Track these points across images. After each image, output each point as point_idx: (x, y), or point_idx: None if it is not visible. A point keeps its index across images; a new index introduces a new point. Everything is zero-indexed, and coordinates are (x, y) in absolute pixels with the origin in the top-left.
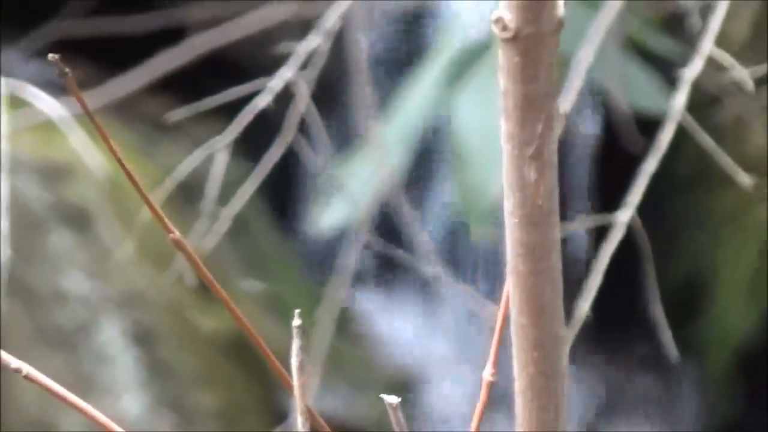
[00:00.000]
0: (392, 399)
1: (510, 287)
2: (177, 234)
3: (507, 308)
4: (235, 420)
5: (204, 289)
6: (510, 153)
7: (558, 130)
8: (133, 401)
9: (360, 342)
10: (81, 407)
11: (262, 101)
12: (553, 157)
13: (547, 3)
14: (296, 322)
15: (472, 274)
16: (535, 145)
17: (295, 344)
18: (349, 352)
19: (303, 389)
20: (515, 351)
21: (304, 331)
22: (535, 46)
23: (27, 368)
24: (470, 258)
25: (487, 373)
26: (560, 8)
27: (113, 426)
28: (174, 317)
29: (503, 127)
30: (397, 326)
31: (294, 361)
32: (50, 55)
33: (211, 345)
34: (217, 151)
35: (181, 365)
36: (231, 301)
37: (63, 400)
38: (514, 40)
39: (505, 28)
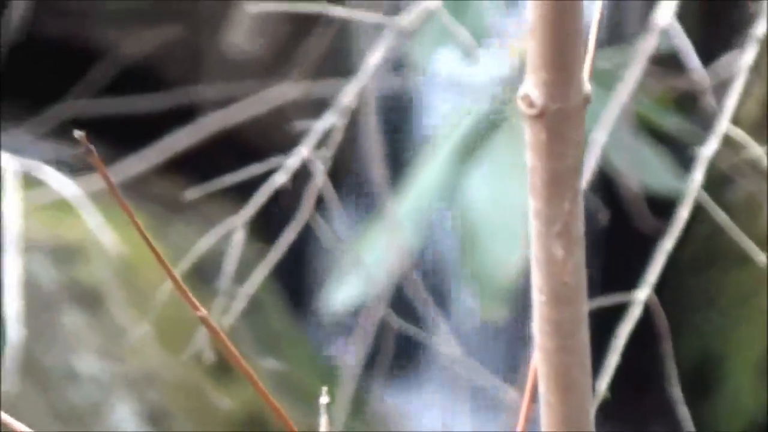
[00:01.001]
0: (324, 399)
1: (538, 364)
2: (203, 311)
3: (534, 385)
4: None
5: (219, 369)
6: (537, 230)
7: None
8: None
9: (375, 423)
10: None
11: (279, 179)
12: (581, 234)
13: (573, 79)
14: (323, 399)
15: (487, 354)
16: (563, 221)
17: (323, 420)
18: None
19: None
20: (544, 429)
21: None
22: (562, 122)
23: None
24: (484, 336)
25: None
26: (586, 84)
27: None
28: (189, 397)
29: (531, 204)
30: (415, 408)
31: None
32: (76, 132)
33: (226, 425)
34: (235, 229)
35: None
36: (256, 379)
37: None
38: (541, 116)
39: (531, 105)
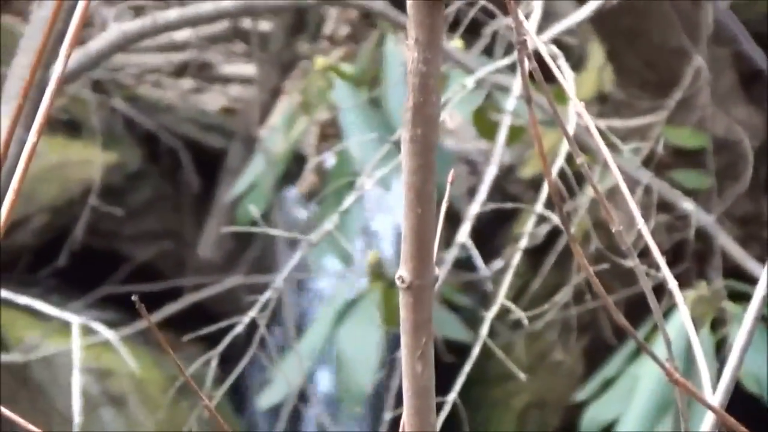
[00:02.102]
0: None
1: (406, 423)
2: (210, 405)
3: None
4: None
5: None
6: (406, 354)
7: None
8: None
9: None
10: None
11: (237, 329)
12: (431, 358)
13: (428, 266)
14: None
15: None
16: (421, 349)
17: None
18: None
19: None
20: None
21: None
22: (421, 292)
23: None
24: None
25: None
26: (436, 270)
27: None
28: None
29: (402, 339)
30: None
31: None
32: (134, 296)
33: None
34: (212, 357)
35: None
36: None
37: None
38: (409, 288)
39: (403, 281)
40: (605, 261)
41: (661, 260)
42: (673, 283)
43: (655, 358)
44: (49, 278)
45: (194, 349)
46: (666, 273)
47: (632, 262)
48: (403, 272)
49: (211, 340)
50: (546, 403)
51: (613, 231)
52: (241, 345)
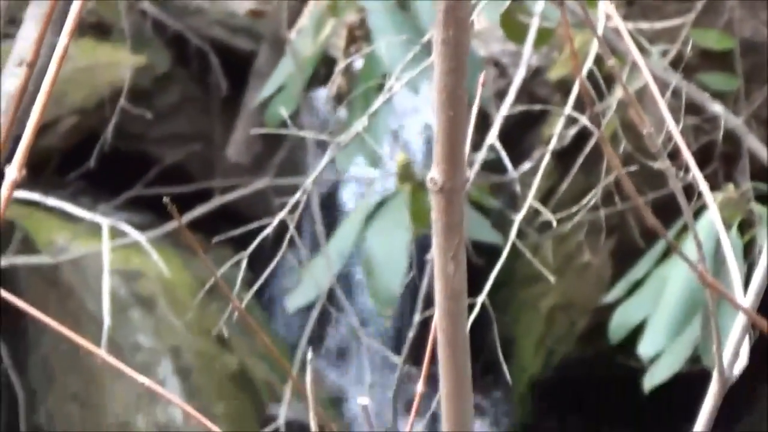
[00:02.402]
0: (364, 400)
1: (438, 335)
2: (240, 305)
3: (435, 338)
4: (237, 423)
5: (223, 343)
6: (438, 256)
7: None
8: (173, 409)
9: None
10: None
11: (267, 230)
12: (464, 259)
13: (459, 169)
14: (309, 355)
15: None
16: (453, 251)
17: (309, 370)
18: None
19: (314, 398)
20: (441, 374)
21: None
22: (453, 194)
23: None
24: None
25: (419, 387)
26: (467, 171)
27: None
28: (204, 360)
29: (434, 241)
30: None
31: (308, 374)
32: (165, 198)
33: (228, 378)
34: (243, 258)
35: (206, 387)
36: (269, 343)
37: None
38: (441, 191)
39: (435, 184)
40: (633, 164)
41: (691, 160)
42: (702, 184)
43: (685, 258)
44: (78, 181)
45: (223, 251)
46: (696, 173)
47: (662, 164)
48: (435, 174)
49: (240, 243)
50: (573, 305)
51: (644, 132)
52: (269, 247)
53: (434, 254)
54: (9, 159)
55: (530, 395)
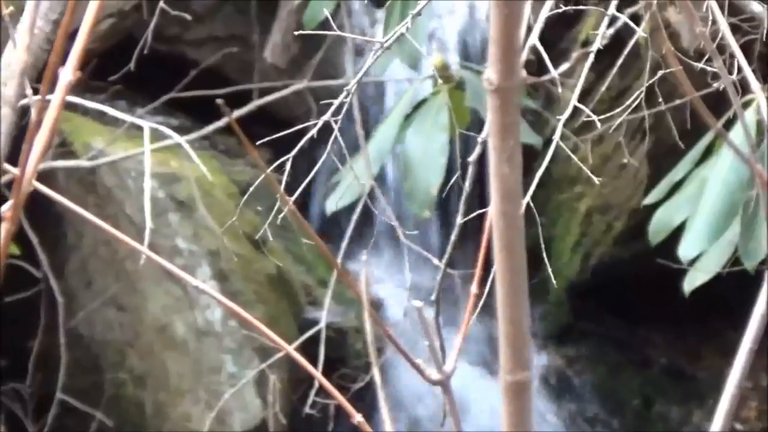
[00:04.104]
0: (418, 303)
1: (494, 234)
2: (293, 206)
3: (489, 234)
4: (275, 327)
5: (260, 246)
6: (494, 157)
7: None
8: (211, 313)
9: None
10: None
11: (311, 132)
12: (519, 160)
13: (515, 68)
14: (364, 257)
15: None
16: (509, 152)
17: (364, 270)
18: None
19: (368, 298)
20: (498, 274)
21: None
22: (508, 94)
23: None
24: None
25: (474, 288)
26: (522, 71)
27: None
28: (242, 263)
29: (490, 142)
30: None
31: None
32: (218, 100)
33: (266, 281)
34: (287, 161)
35: (245, 291)
36: (318, 239)
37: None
38: (497, 91)
39: (491, 83)
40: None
41: (739, 54)
42: (751, 77)
43: (734, 147)
44: (115, 84)
45: (261, 154)
46: (745, 68)
47: (714, 60)
48: (490, 75)
49: (278, 145)
50: (610, 207)
51: (697, 31)
52: (308, 150)
53: (489, 155)
54: (63, 62)
55: (567, 298)
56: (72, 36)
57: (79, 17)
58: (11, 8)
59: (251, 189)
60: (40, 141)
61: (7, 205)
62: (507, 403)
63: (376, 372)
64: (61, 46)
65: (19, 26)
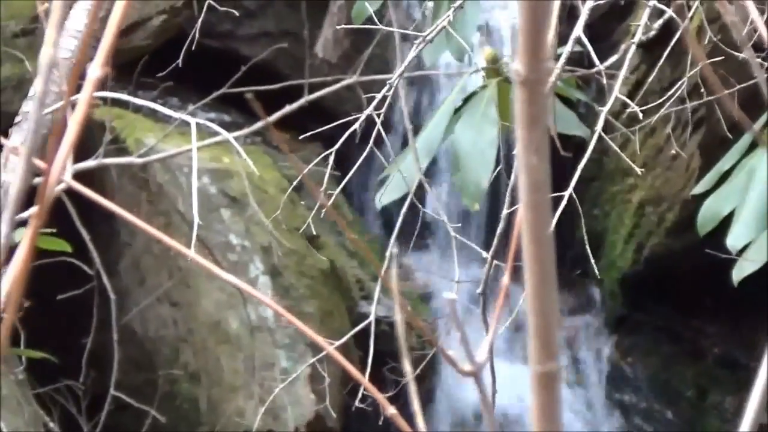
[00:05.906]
0: (451, 295)
1: (522, 224)
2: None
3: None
4: (329, 321)
5: (312, 242)
6: (521, 147)
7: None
8: (264, 308)
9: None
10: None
11: (355, 125)
12: (547, 150)
13: (542, 61)
14: (394, 249)
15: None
16: (537, 142)
17: (394, 263)
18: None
19: (401, 294)
20: (525, 258)
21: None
22: (536, 85)
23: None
24: (467, 218)
25: (505, 279)
26: (550, 63)
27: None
28: (295, 258)
29: (518, 133)
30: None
31: (394, 270)
32: (248, 95)
33: (319, 276)
34: (329, 156)
35: (297, 285)
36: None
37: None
38: (524, 82)
39: (519, 75)
40: (720, 56)
41: None
42: None
43: None
44: (167, 80)
45: (312, 148)
46: None
47: (747, 53)
48: (517, 66)
49: (329, 139)
50: (662, 198)
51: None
52: (357, 144)
53: (517, 146)
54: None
55: (620, 288)
56: (123, 33)
57: (128, 15)
58: (46, 5)
59: (294, 183)
60: (67, 139)
61: (34, 209)
62: (536, 393)
63: (407, 365)
64: (87, 44)
65: (49, 21)
